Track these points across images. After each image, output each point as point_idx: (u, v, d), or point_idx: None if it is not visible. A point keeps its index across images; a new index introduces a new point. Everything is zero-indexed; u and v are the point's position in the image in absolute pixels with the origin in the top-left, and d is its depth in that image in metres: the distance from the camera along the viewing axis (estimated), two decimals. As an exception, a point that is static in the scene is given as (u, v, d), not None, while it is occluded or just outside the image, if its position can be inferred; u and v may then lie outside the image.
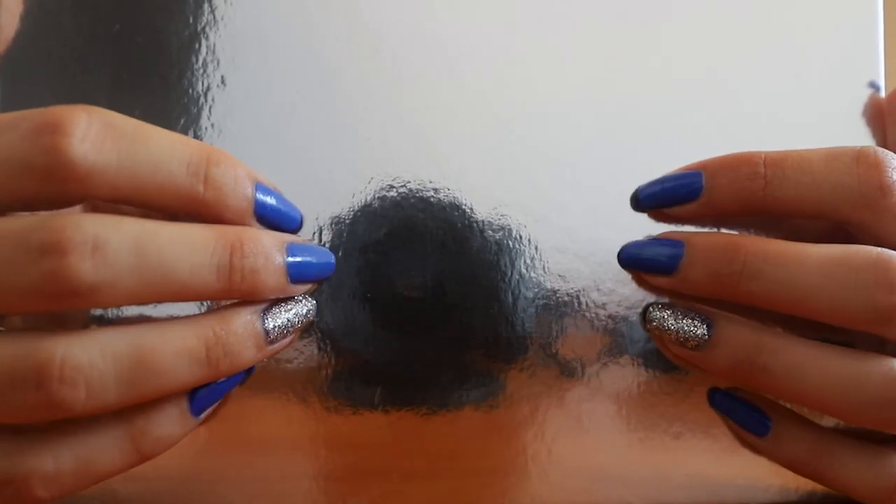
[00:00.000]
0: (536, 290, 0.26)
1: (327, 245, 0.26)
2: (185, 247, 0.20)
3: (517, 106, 0.27)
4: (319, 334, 0.26)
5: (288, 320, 0.23)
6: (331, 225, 0.26)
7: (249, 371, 0.25)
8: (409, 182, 0.26)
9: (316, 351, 0.26)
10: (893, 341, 0.23)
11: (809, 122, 0.28)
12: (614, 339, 0.26)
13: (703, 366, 0.25)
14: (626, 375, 0.27)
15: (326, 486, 0.26)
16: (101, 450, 0.21)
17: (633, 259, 0.26)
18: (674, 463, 0.27)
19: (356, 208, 0.26)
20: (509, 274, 0.26)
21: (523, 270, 0.26)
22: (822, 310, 0.23)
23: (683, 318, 0.25)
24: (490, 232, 0.26)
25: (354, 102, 0.26)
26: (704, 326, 0.24)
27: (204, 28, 0.26)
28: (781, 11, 0.28)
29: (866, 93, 0.28)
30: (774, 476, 0.27)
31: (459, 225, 0.26)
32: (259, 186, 0.23)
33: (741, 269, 0.23)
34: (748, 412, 0.26)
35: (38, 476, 0.21)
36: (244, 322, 0.22)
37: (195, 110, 0.26)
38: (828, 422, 0.27)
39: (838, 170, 0.23)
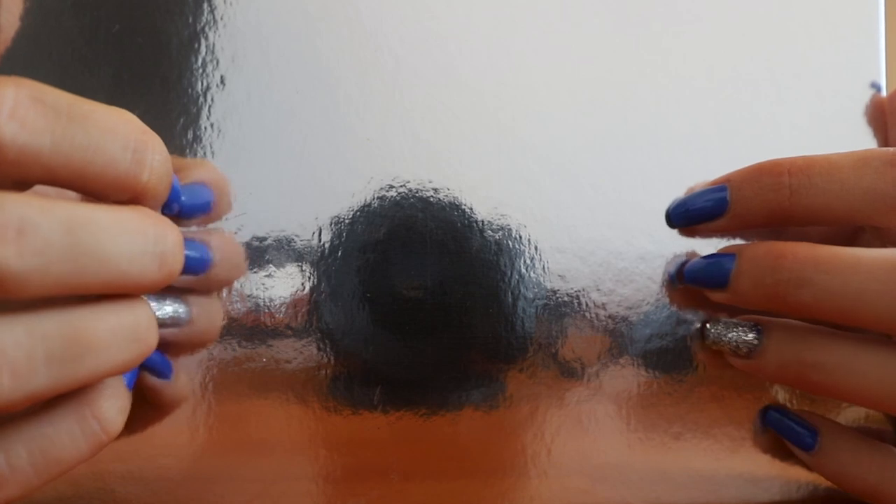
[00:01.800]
0: (536, 290, 0.26)
1: (327, 245, 0.26)
2: (125, 234, 0.19)
3: (517, 106, 0.27)
4: (319, 334, 0.26)
5: (165, 309, 0.24)
6: (330, 225, 0.26)
7: None
8: (409, 182, 0.26)
9: (315, 351, 0.26)
10: None
11: (810, 122, 0.28)
12: (614, 339, 0.26)
13: (757, 372, 0.25)
14: (626, 375, 0.27)
15: (326, 487, 0.26)
16: (61, 437, 0.20)
17: (693, 276, 0.26)
18: (674, 463, 0.27)
19: (356, 208, 0.26)
20: (509, 274, 0.26)
21: (523, 270, 0.26)
22: (877, 318, 0.21)
23: (735, 328, 0.25)
24: (490, 232, 0.26)
25: (354, 102, 0.26)
26: (754, 333, 0.25)
27: (203, 28, 0.26)
28: (782, 13, 0.28)
29: (868, 93, 0.28)
30: (775, 476, 0.27)
31: (459, 225, 0.26)
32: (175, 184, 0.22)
33: (788, 278, 0.22)
34: (796, 426, 0.26)
35: None
36: (146, 303, 0.21)
37: (195, 110, 0.26)
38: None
39: (869, 175, 0.22)
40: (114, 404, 0.21)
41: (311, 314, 0.26)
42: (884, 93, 0.28)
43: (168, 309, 0.24)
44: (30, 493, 0.20)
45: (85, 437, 0.20)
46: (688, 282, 0.26)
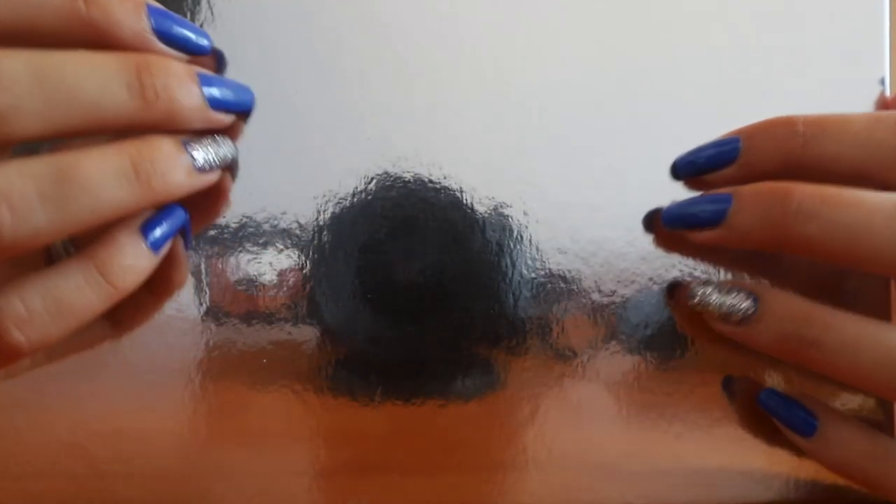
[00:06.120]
0: (537, 290, 0.26)
1: (328, 245, 0.26)
2: (87, 66, 0.20)
3: (518, 106, 0.27)
4: (320, 332, 0.26)
5: (212, 151, 0.22)
6: (332, 224, 0.26)
7: (186, 230, 0.23)
8: (410, 182, 0.26)
9: (316, 348, 0.26)
10: None
11: None
12: (615, 339, 0.27)
13: (748, 341, 0.24)
14: (627, 375, 0.27)
15: (326, 482, 0.26)
16: (70, 286, 0.20)
17: (679, 215, 0.25)
18: (674, 462, 0.27)
19: (356, 208, 0.26)
20: (510, 274, 0.26)
21: (524, 271, 0.26)
22: (879, 254, 0.22)
23: (728, 293, 0.24)
24: (491, 232, 0.26)
25: (354, 102, 0.26)
26: (750, 300, 0.23)
27: (202, 26, 0.26)
28: (788, 9, 0.28)
29: (875, 90, 0.28)
30: (775, 475, 0.27)
31: (460, 225, 0.26)
32: (153, 9, 0.21)
33: (796, 209, 0.22)
34: (794, 411, 0.25)
35: (10, 319, 0.20)
36: (168, 143, 0.21)
37: (194, 108, 0.26)
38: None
39: (882, 130, 0.23)
40: (117, 259, 0.21)
41: (312, 313, 0.26)
42: (888, 90, 0.28)
43: (225, 149, 0.23)
44: (51, 341, 0.20)
45: (91, 288, 0.21)
46: (671, 224, 0.25)
